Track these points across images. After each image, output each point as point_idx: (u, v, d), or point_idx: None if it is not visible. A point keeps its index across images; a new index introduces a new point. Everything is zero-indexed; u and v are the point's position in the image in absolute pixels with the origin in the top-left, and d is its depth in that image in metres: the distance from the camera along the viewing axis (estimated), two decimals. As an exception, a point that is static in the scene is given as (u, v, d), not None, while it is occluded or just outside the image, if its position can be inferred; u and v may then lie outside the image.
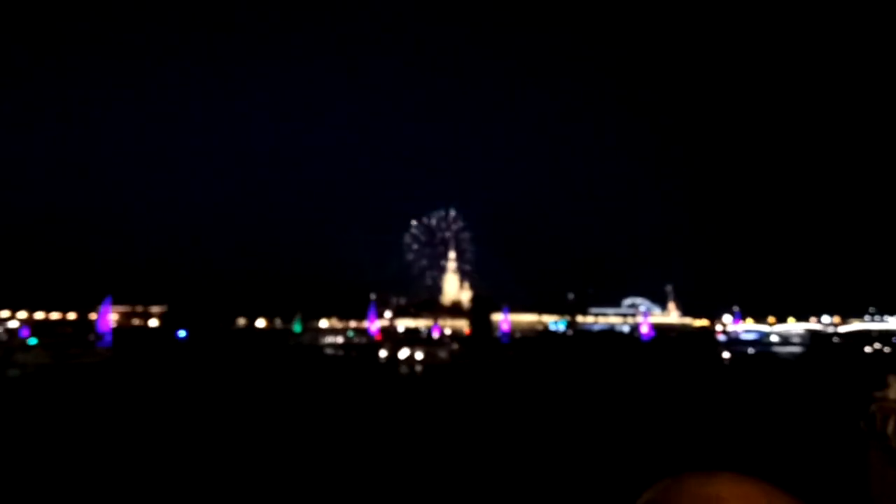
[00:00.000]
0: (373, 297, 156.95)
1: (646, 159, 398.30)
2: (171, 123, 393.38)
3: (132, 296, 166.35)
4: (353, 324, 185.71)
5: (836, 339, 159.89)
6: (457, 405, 39.42)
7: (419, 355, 72.98)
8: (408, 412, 36.31)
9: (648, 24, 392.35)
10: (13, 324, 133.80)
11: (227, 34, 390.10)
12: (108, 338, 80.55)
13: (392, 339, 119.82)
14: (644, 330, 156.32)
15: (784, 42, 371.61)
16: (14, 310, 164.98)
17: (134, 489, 19.55)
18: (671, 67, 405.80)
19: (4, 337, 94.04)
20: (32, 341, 73.32)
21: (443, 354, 75.22)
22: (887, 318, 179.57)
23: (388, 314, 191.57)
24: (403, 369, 65.28)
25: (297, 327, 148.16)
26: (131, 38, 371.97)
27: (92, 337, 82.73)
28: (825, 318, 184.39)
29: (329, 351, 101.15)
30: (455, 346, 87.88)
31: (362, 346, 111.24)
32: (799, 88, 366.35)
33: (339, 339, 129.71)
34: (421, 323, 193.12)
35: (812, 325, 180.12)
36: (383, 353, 79.04)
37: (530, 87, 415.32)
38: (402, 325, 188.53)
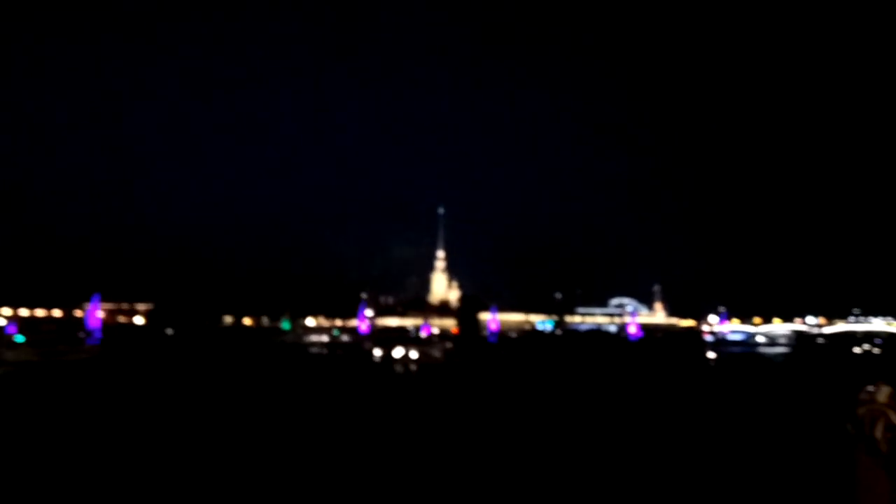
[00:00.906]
0: (364, 295, 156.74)
1: (633, 160, 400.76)
2: (155, 120, 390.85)
3: (117, 293, 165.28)
4: (338, 322, 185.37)
5: (820, 340, 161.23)
6: (460, 404, 39.20)
7: (414, 354, 72.71)
8: (416, 410, 36.03)
9: (635, 19, 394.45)
10: (0, 321, 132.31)
11: (220, 26, 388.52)
12: (97, 335, 79.81)
13: (380, 337, 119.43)
14: (632, 330, 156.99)
15: (766, 38, 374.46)
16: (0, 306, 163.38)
17: (122, 486, 19.15)
18: (660, 66, 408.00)
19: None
20: (19, 339, 72.22)
21: (437, 354, 75.07)
22: (871, 319, 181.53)
23: (369, 312, 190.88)
24: (399, 368, 64.97)
25: (285, 325, 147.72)
26: (130, 30, 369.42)
27: (81, 334, 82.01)
28: (810, 319, 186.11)
29: (314, 349, 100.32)
30: (449, 345, 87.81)
31: (349, 345, 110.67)
32: (784, 89, 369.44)
33: (325, 338, 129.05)
34: (408, 322, 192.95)
35: (797, 325, 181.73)
36: (378, 353, 78.65)
37: (518, 87, 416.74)
38: (389, 323, 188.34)
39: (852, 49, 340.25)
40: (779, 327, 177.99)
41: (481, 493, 18.64)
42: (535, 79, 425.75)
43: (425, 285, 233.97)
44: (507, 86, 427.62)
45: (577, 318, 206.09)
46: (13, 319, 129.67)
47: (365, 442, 25.59)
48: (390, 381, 54.45)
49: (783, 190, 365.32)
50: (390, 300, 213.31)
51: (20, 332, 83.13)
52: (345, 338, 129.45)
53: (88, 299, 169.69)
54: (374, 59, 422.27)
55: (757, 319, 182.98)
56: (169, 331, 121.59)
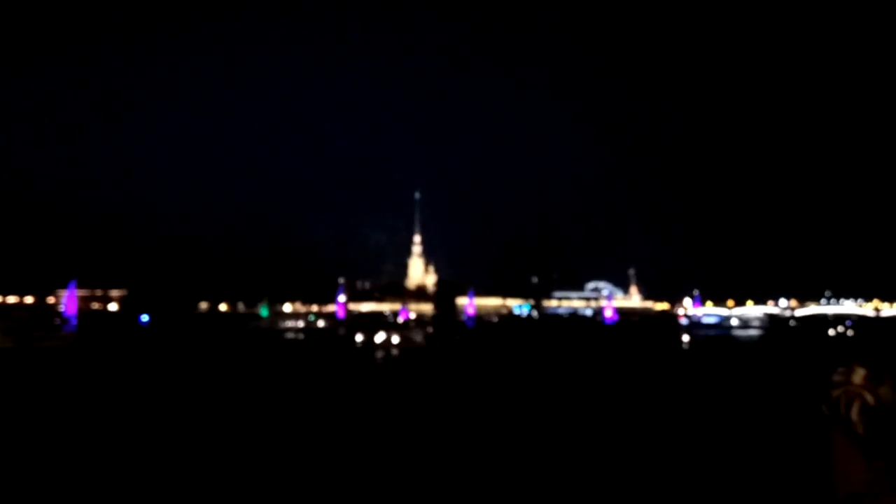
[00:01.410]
0: (341, 280, 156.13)
1: (607, 145, 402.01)
2: (132, 106, 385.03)
3: (91, 279, 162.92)
4: (314, 308, 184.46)
5: (792, 323, 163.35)
6: (447, 394, 39.32)
7: (395, 339, 72.71)
8: (405, 395, 36.06)
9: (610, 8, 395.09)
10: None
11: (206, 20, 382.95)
12: (74, 321, 78.87)
13: (358, 322, 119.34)
14: (608, 314, 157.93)
15: (741, 24, 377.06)
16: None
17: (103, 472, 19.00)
18: (634, 51, 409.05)
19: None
20: (-7, 325, 71.22)
21: (418, 338, 75.10)
22: (843, 301, 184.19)
23: (343, 298, 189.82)
24: (380, 354, 64.83)
25: (263, 311, 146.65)
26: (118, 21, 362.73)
27: (57, 321, 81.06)
28: (783, 302, 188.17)
29: (290, 335, 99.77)
30: (430, 329, 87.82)
31: (325, 331, 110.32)
32: (760, 70, 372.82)
33: (301, 324, 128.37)
34: (385, 307, 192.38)
35: (770, 308, 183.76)
36: (359, 338, 78.57)
37: (494, 72, 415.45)
38: (366, 308, 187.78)
39: (828, 36, 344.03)
40: (752, 310, 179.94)
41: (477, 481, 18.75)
42: (509, 64, 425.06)
43: (402, 270, 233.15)
44: (481, 70, 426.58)
45: (553, 303, 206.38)
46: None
47: (341, 437, 25.47)
48: (370, 370, 54.22)
49: (755, 175, 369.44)
50: (367, 285, 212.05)
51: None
52: (320, 323, 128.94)
53: (61, 286, 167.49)
54: (347, 45, 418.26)
55: (730, 302, 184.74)
56: (145, 317, 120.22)
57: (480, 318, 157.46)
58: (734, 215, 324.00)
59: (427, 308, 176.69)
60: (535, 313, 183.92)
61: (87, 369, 49.32)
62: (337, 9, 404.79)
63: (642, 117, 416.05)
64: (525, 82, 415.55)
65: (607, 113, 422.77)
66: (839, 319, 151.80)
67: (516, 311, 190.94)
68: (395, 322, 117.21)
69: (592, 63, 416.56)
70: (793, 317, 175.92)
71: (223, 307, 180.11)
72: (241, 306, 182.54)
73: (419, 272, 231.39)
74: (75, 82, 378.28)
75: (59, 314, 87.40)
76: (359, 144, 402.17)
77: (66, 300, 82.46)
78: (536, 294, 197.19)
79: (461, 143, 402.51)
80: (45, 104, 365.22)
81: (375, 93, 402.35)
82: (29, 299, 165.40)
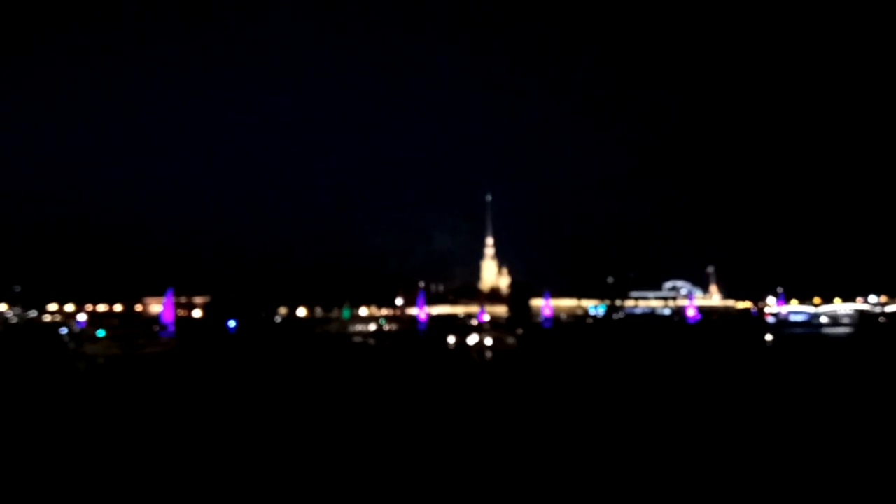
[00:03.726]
0: (421, 284, 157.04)
1: (685, 140, 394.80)
2: (210, 116, 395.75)
3: (175, 287, 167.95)
4: (385, 311, 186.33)
5: (882, 319, 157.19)
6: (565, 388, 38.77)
7: (488, 341, 72.40)
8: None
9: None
10: (81, 317, 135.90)
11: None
12: (171, 328, 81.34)
13: (437, 325, 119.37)
14: (690, 313, 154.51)
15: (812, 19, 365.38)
16: (61, 303, 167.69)
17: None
18: (706, 45, 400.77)
19: (76, 329, 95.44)
20: (101, 333, 74.05)
21: (510, 340, 74.50)
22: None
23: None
24: (475, 356, 64.38)
25: (345, 314, 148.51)
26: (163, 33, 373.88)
27: (156, 327, 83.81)
28: (872, 298, 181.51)
29: (359, 339, 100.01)
30: (519, 331, 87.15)
31: (407, 333, 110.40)
32: (832, 66, 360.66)
33: (371, 327, 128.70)
34: (459, 309, 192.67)
35: (859, 305, 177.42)
36: (451, 340, 78.63)
37: (566, 71, 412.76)
38: (440, 311, 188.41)
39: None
40: (841, 307, 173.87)
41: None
42: (581, 64, 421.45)
43: (475, 273, 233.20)
44: (552, 71, 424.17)
45: (630, 303, 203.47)
46: (81, 314, 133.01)
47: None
48: (478, 372, 53.82)
49: (838, 169, 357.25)
50: (440, 288, 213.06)
51: (90, 325, 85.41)
52: (387, 327, 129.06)
53: (146, 294, 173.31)
54: (420, 48, 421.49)
55: (817, 300, 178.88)
56: (232, 323, 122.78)
57: (557, 318, 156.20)
58: (818, 209, 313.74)
59: (501, 310, 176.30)
60: (615, 314, 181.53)
61: (195, 372, 50.65)
62: (409, 14, 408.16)
63: (724, 113, 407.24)
64: (596, 82, 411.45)
65: (684, 109, 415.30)
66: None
67: (592, 312, 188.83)
68: (472, 325, 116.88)
69: (665, 64, 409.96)
70: (883, 313, 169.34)
71: (301, 312, 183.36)
72: (318, 311, 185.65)
73: (492, 274, 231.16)
74: (149, 98, 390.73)
75: (156, 321, 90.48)
76: (430, 148, 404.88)
77: (164, 307, 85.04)
78: (612, 294, 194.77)
79: (532, 144, 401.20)
80: (121, 117, 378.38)
81: (447, 96, 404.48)
82: (118, 307, 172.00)
